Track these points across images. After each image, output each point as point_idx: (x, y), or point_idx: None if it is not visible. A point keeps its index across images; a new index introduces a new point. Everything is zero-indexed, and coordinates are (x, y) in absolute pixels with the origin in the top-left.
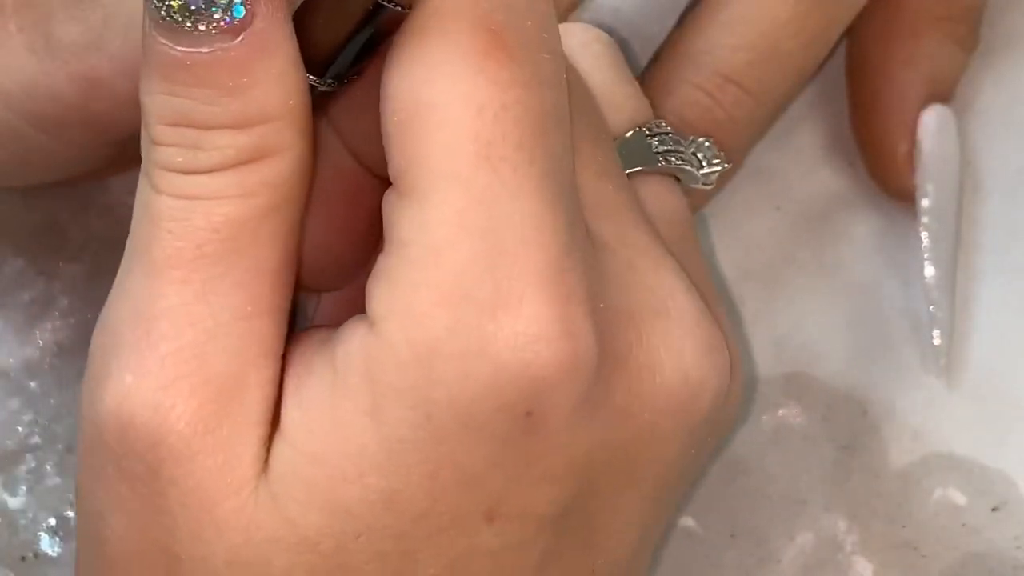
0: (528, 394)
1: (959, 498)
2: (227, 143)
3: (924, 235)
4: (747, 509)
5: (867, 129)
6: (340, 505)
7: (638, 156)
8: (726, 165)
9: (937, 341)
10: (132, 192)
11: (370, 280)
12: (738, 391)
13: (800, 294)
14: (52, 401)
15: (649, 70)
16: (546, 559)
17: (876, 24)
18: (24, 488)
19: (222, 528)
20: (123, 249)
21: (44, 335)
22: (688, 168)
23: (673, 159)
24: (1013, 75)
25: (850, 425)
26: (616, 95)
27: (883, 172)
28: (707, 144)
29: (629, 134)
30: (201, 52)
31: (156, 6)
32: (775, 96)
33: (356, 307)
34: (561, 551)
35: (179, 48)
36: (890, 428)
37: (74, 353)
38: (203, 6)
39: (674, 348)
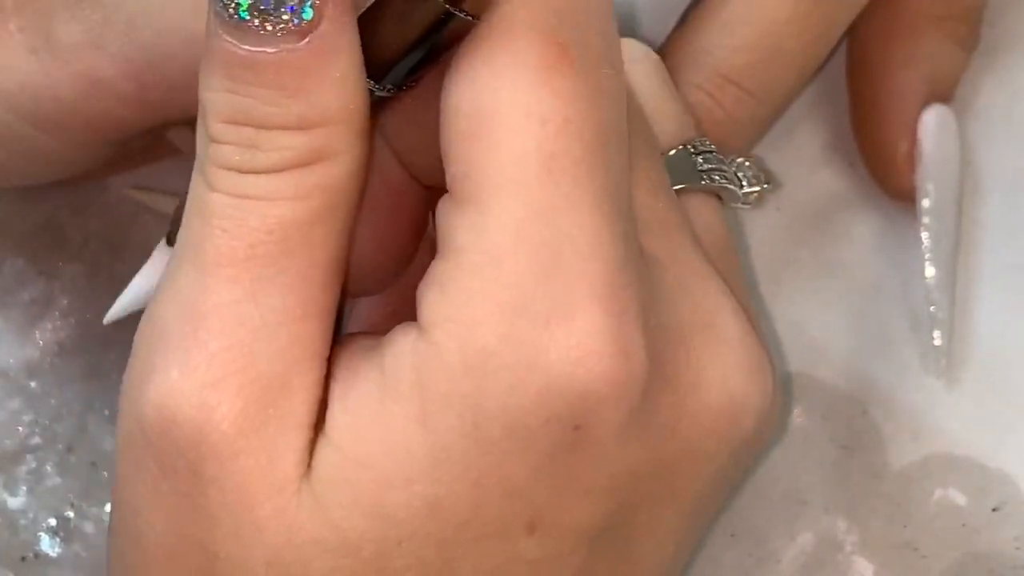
0: (578, 408)
1: (959, 498)
2: (286, 144)
3: (924, 235)
4: (747, 509)
5: (867, 129)
6: (384, 510)
7: (683, 173)
8: (765, 185)
9: (937, 341)
10: (134, 197)
11: (421, 286)
12: (776, 409)
13: (800, 294)
14: (52, 401)
15: None
16: (583, 572)
17: (877, 24)
18: (24, 488)
19: (263, 528)
20: (123, 249)
21: (44, 335)
22: (731, 187)
23: (717, 177)
24: (1013, 75)
25: (850, 425)
26: (663, 112)
27: (883, 172)
28: (748, 164)
29: (674, 151)
30: (266, 52)
31: (224, 4)
32: (775, 96)
33: (392, 313)
34: (598, 565)
35: (244, 47)
36: (890, 428)
37: (74, 353)
38: (272, 6)
39: (721, 368)
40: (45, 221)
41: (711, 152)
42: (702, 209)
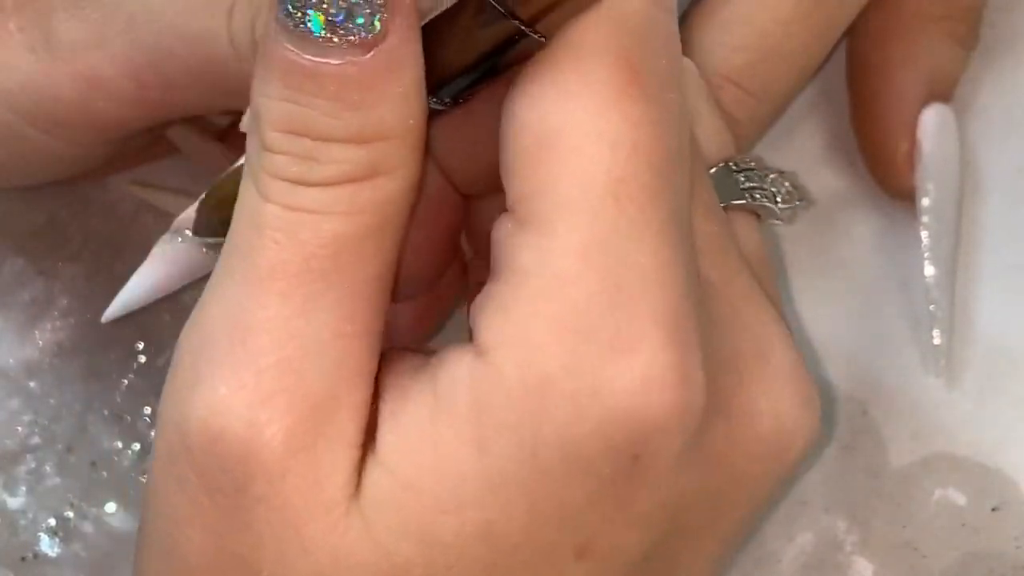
0: (638, 438)
1: (959, 498)
2: (343, 158)
3: (924, 234)
4: None
5: (867, 128)
6: (435, 535)
7: (725, 191)
8: (800, 202)
9: (937, 341)
10: (133, 193)
11: (477, 307)
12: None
13: (800, 294)
14: (52, 401)
15: None
16: None
17: (876, 23)
18: (24, 488)
19: (309, 549)
20: (123, 249)
21: (44, 335)
22: (769, 205)
23: (757, 195)
24: (1013, 75)
25: (850, 425)
26: (706, 128)
27: (883, 171)
28: (783, 180)
29: (715, 169)
30: (330, 63)
31: (289, 12)
32: (776, 96)
33: (418, 320)
34: None
35: (307, 56)
36: (890, 428)
37: (74, 353)
38: (343, 18)
39: (773, 398)
40: (45, 221)
41: (752, 170)
42: (743, 228)
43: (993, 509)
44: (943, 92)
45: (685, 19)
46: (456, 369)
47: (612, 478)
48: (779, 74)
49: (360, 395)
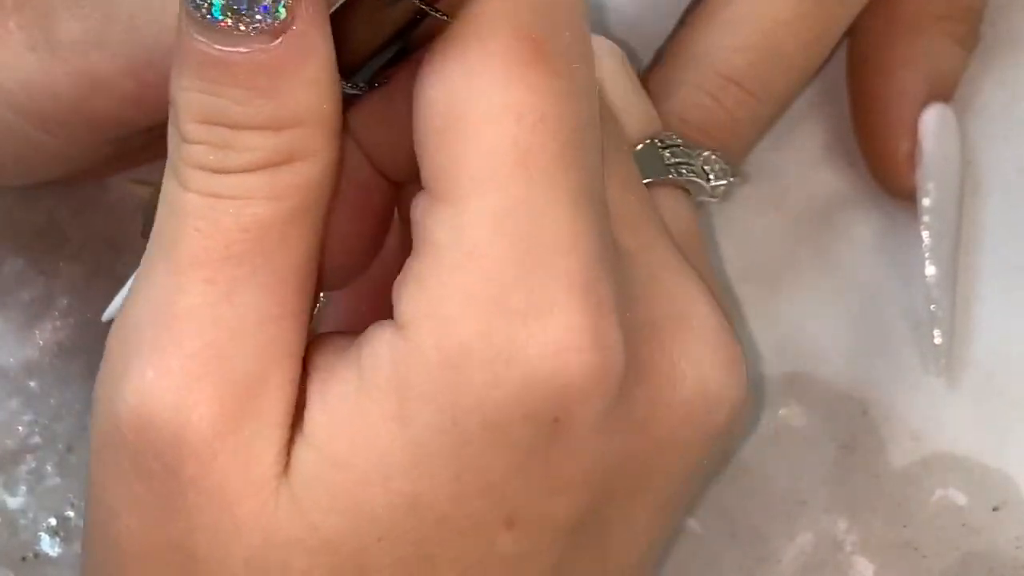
0: (556, 403)
1: (959, 498)
2: (259, 144)
3: (925, 234)
4: (747, 509)
5: (868, 128)
6: (363, 509)
7: (650, 167)
8: (732, 179)
9: (938, 340)
10: (133, 191)
11: (397, 283)
12: (750, 402)
13: (800, 294)
14: (52, 401)
15: (650, 71)
16: (560, 566)
17: (877, 23)
18: (24, 488)
19: (241, 528)
20: (123, 249)
21: (44, 335)
22: (698, 180)
23: (684, 171)
24: (1013, 75)
25: (850, 425)
26: (630, 106)
27: (884, 171)
28: (715, 157)
29: (641, 146)
30: (239, 52)
31: (196, 4)
32: (776, 96)
33: (357, 309)
34: (575, 559)
35: (216, 46)
36: (890, 428)
37: (74, 353)
38: (246, 6)
39: (695, 361)
40: (45, 221)
41: (677, 146)
42: (670, 202)
43: (993, 509)
44: (944, 92)
45: (685, 19)
46: (378, 345)
47: (533, 444)
48: (780, 74)
49: (287, 376)
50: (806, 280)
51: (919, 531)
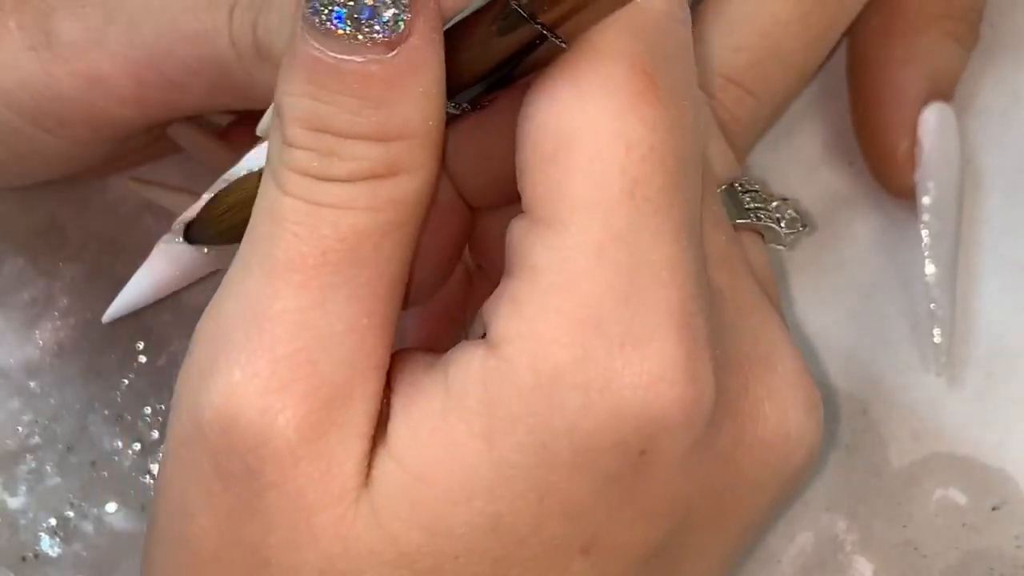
0: (645, 434)
1: (959, 498)
2: (364, 154)
3: (925, 233)
4: None
5: (868, 127)
6: (443, 526)
7: (731, 210)
8: (802, 228)
9: (938, 339)
10: (133, 191)
11: (491, 304)
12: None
13: (800, 294)
14: (52, 401)
15: None
16: None
17: (877, 22)
18: (24, 488)
19: (319, 536)
20: (123, 249)
21: (44, 335)
22: (774, 227)
23: (762, 216)
24: (1013, 75)
25: (850, 425)
26: (712, 149)
27: (884, 170)
28: (788, 208)
29: (721, 189)
30: (354, 61)
31: (316, 10)
32: (777, 96)
33: (424, 330)
34: None
35: (332, 54)
36: (890, 428)
37: (74, 353)
38: (367, 17)
39: (778, 402)
40: (45, 221)
41: (756, 191)
42: (749, 245)
43: (993, 509)
44: (943, 91)
45: None
46: (468, 363)
47: (618, 473)
48: (780, 74)
49: (372, 387)
50: (806, 280)
51: (919, 531)
